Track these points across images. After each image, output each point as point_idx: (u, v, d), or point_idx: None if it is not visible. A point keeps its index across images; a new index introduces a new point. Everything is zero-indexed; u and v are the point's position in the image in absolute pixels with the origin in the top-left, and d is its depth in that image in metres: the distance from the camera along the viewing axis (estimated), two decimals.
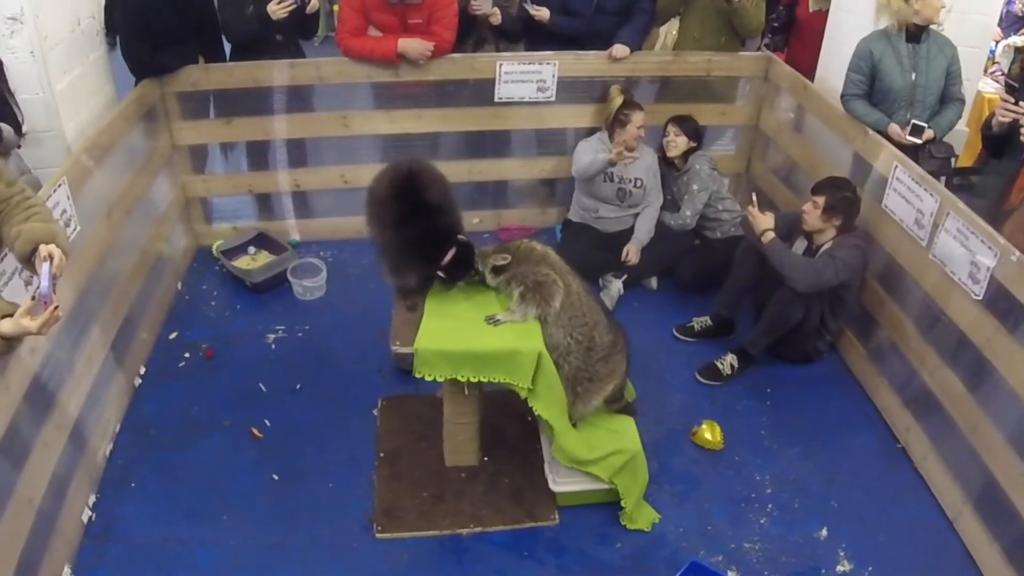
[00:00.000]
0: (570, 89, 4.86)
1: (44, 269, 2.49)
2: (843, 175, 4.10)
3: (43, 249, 2.53)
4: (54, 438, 3.07)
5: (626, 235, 4.74)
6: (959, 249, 3.35)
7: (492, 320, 3.08)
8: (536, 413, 3.13)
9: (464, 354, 3.02)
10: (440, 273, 3.09)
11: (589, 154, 4.62)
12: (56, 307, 2.45)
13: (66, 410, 3.20)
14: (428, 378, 3.04)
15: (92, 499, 3.31)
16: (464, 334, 3.06)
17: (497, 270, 3.12)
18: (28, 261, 2.58)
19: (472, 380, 3.07)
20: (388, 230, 3.08)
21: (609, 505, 3.32)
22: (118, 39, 4.36)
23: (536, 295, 3.09)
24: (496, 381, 3.05)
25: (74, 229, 3.34)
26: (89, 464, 3.36)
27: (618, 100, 4.66)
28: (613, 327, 3.32)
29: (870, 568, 3.17)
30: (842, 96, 4.29)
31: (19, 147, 3.57)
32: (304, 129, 4.87)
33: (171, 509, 3.31)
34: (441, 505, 3.36)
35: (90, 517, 3.25)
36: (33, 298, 2.46)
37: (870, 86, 4.24)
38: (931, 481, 3.52)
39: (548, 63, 4.72)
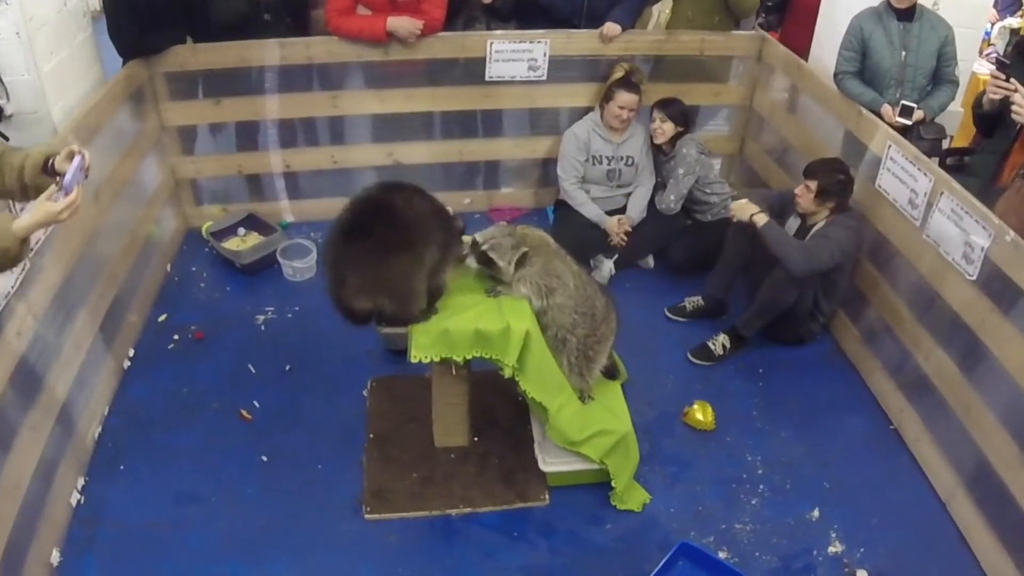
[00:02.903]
0: (562, 68, 4.81)
1: (75, 162, 2.54)
2: (836, 155, 4.08)
3: (73, 146, 2.58)
4: (42, 421, 3.05)
5: (618, 216, 4.71)
6: (953, 229, 3.33)
7: (494, 292, 3.09)
8: (527, 394, 3.11)
9: (455, 332, 2.99)
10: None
11: (576, 170, 4.68)
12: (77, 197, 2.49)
13: (54, 393, 3.18)
14: (425, 360, 3.02)
15: (81, 482, 3.29)
16: (454, 313, 3.04)
17: (520, 262, 3.07)
18: (41, 174, 2.58)
19: (465, 358, 3.05)
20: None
21: (600, 486, 3.31)
22: (105, 20, 4.30)
23: (541, 291, 3.09)
24: (485, 357, 3.02)
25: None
26: (78, 447, 3.33)
27: (617, 75, 4.62)
28: (607, 301, 3.33)
29: (862, 549, 3.16)
30: (835, 74, 4.26)
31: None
32: (293, 109, 4.82)
33: (160, 492, 3.29)
34: (431, 486, 3.34)
35: (79, 500, 3.23)
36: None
37: (861, 63, 4.21)
38: (924, 463, 3.51)
39: (539, 42, 4.67)
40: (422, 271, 2.89)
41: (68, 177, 2.50)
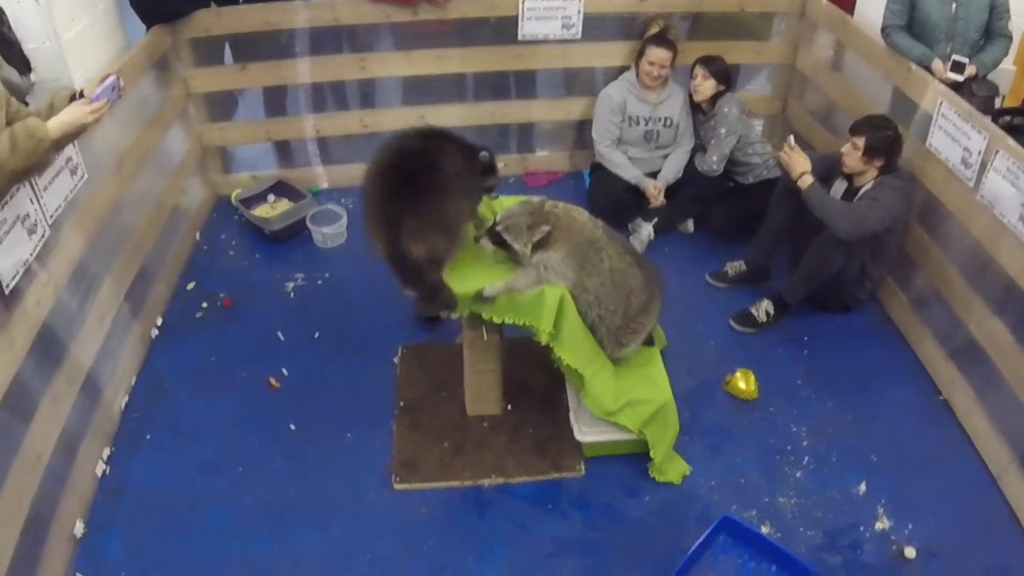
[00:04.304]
0: (597, 26, 4.65)
1: (108, 80, 2.66)
2: (884, 114, 3.89)
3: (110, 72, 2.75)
4: (65, 392, 3.00)
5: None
6: (1009, 189, 3.14)
7: (487, 294, 2.89)
8: (561, 361, 3.00)
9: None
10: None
11: (611, 132, 4.55)
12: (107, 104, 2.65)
13: (78, 363, 3.14)
14: (455, 315, 2.95)
15: (107, 453, 3.26)
16: (483, 275, 2.93)
17: (541, 244, 2.91)
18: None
19: (495, 321, 2.94)
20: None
21: (638, 457, 3.21)
22: None
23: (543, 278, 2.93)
24: (517, 324, 2.92)
25: (81, 178, 3.21)
26: (103, 417, 3.30)
27: (651, 31, 4.47)
28: (647, 275, 3.12)
29: (910, 526, 3.03)
30: (883, 28, 4.07)
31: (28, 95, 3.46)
32: (321, 73, 4.71)
33: (186, 463, 3.25)
34: (462, 456, 3.26)
35: (104, 471, 3.19)
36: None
37: (910, 17, 4.02)
38: (975, 436, 3.36)
39: None
40: (469, 211, 2.97)
41: (98, 90, 2.62)
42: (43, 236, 2.90)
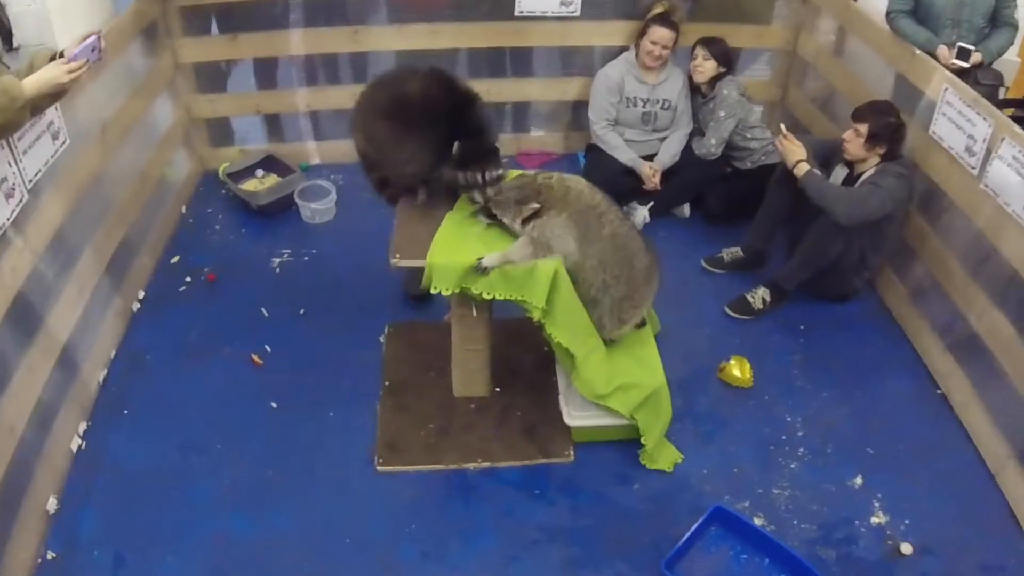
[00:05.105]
0: (597, 4, 4.55)
1: (89, 40, 2.59)
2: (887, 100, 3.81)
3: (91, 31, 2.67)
4: (40, 362, 2.91)
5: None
6: (1014, 178, 3.07)
7: (480, 268, 2.81)
8: (552, 339, 2.92)
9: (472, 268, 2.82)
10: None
11: (608, 112, 4.47)
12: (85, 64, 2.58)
13: (54, 334, 3.03)
14: (445, 293, 2.86)
15: (83, 427, 3.16)
16: (476, 248, 2.85)
17: (528, 220, 2.86)
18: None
19: (485, 296, 2.85)
20: (421, 132, 2.94)
21: (628, 443, 3.13)
22: None
23: (542, 248, 2.85)
24: (509, 299, 2.84)
25: (62, 143, 3.11)
26: (80, 391, 3.20)
27: (655, 11, 4.38)
28: (647, 241, 3.09)
29: (906, 521, 2.96)
30: (888, 13, 3.98)
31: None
32: (313, 45, 4.59)
33: (165, 439, 3.16)
34: (448, 438, 3.18)
35: (80, 446, 3.10)
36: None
37: (915, 2, 3.94)
38: (973, 431, 3.29)
39: None
40: (408, 144, 2.97)
41: (76, 50, 2.53)
42: (21, 201, 2.79)
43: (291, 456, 3.10)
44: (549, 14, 4.52)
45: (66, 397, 3.07)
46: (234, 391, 3.37)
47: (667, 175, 4.47)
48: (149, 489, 2.96)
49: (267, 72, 4.77)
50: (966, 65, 3.77)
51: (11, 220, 2.73)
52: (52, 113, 3.01)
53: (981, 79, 3.84)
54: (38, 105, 2.59)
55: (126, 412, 3.26)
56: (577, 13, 4.53)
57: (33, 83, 2.45)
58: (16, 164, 2.74)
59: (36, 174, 2.89)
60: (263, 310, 3.77)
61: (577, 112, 4.93)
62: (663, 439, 3.13)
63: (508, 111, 5.04)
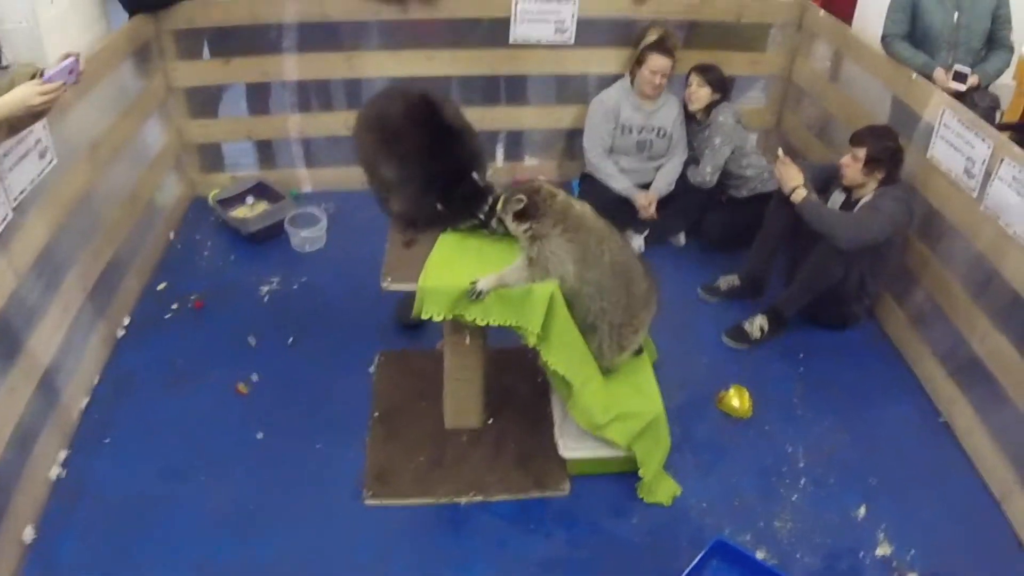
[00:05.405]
0: (590, 31, 4.52)
1: (66, 62, 2.48)
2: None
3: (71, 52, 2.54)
4: (20, 386, 2.81)
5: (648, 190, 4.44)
6: (1015, 198, 3.04)
7: (474, 293, 2.73)
8: (548, 367, 2.84)
9: (467, 292, 2.74)
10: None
11: (603, 140, 4.43)
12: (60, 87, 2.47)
13: (35, 357, 2.94)
14: (437, 318, 2.77)
15: (63, 455, 3.06)
16: (471, 271, 2.76)
17: (520, 216, 2.78)
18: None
19: (478, 323, 2.77)
20: (406, 161, 2.88)
21: (625, 475, 3.04)
22: None
23: (539, 270, 2.77)
24: (504, 324, 2.76)
25: (50, 161, 3.05)
26: (62, 418, 3.11)
27: (650, 39, 4.35)
28: (646, 267, 3.02)
29: (912, 551, 2.87)
30: (883, 37, 3.98)
31: None
32: (306, 70, 4.56)
33: (147, 467, 3.06)
34: (439, 470, 3.08)
35: (59, 473, 3.00)
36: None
37: (911, 26, 3.93)
38: (977, 457, 3.22)
39: (567, 1, 4.38)
40: (391, 163, 2.91)
41: (52, 71, 2.42)
42: (5, 218, 2.73)
43: (277, 486, 3.00)
44: (544, 42, 4.50)
45: (47, 422, 2.98)
46: (220, 419, 3.27)
47: (662, 203, 4.43)
48: (130, 517, 2.85)
49: (260, 97, 4.73)
50: (963, 88, 3.74)
51: None
52: (40, 131, 2.96)
53: (978, 102, 3.82)
54: (14, 125, 2.52)
55: (108, 439, 3.16)
56: (571, 40, 4.51)
57: (2, 104, 2.37)
58: (1, 179, 2.68)
59: (21, 192, 2.83)
60: (251, 338, 3.69)
61: (571, 140, 4.90)
62: (661, 471, 3.04)
63: (502, 138, 5.01)
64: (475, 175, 2.87)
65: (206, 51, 4.51)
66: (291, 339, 3.70)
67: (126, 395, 3.38)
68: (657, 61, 4.25)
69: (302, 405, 3.35)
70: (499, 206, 2.83)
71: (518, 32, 4.46)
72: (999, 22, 3.93)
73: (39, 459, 2.90)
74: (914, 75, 3.78)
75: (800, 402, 3.49)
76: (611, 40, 4.61)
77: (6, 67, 3.39)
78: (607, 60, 4.64)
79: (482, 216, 2.87)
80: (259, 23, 4.37)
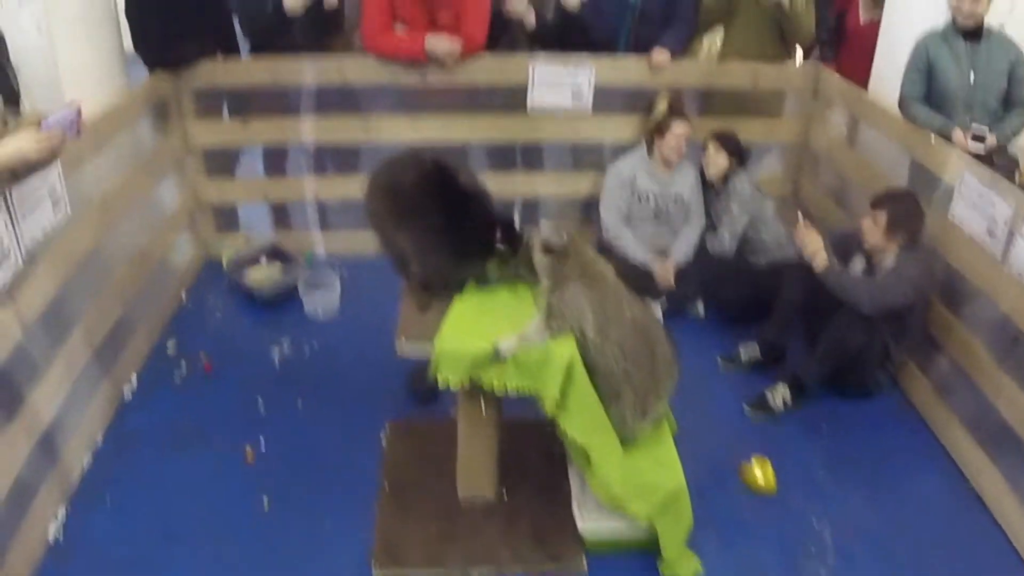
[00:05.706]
0: (606, 98, 4.53)
1: (66, 112, 2.45)
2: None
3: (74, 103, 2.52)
4: (20, 441, 2.74)
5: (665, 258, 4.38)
6: None
7: (503, 348, 2.65)
8: (566, 437, 2.74)
9: (487, 355, 2.65)
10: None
11: (620, 208, 4.41)
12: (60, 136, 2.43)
13: (37, 412, 2.87)
14: (453, 382, 2.68)
15: (62, 513, 2.97)
16: (488, 334, 2.68)
17: (549, 250, 2.71)
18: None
19: (495, 387, 2.68)
20: (421, 231, 2.83)
21: (646, 552, 2.91)
22: (129, 29, 4.11)
23: (556, 318, 2.70)
24: (521, 390, 2.66)
25: (63, 213, 3.01)
26: (61, 475, 3.03)
27: (662, 107, 4.34)
28: (667, 331, 2.94)
29: None
30: (900, 100, 3.97)
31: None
32: (324, 133, 4.57)
33: (147, 529, 2.95)
34: (451, 543, 2.95)
35: (57, 533, 2.90)
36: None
37: (928, 87, 3.92)
38: (1009, 527, 3.08)
39: (583, 67, 4.40)
40: (403, 231, 2.87)
41: (51, 119, 2.39)
42: (15, 268, 2.68)
43: (281, 555, 2.88)
44: (560, 107, 4.50)
45: (45, 480, 2.90)
46: (225, 484, 3.17)
47: (680, 272, 4.36)
48: None
49: (277, 158, 4.75)
50: (982, 148, 3.70)
51: (3, 286, 2.62)
52: (55, 180, 2.92)
53: (997, 162, 3.78)
54: (16, 173, 2.47)
55: (108, 501, 3.07)
56: (588, 107, 4.51)
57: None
58: (14, 226, 2.64)
59: (32, 241, 2.79)
60: (260, 402, 3.61)
61: (587, 209, 4.86)
62: (684, 547, 2.89)
63: (518, 206, 4.97)
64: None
65: (225, 111, 4.53)
66: (301, 405, 3.62)
67: (129, 455, 3.29)
68: (681, 127, 4.24)
69: (310, 473, 3.25)
70: (532, 239, 2.78)
71: (535, 98, 4.46)
72: (1015, 82, 3.91)
73: (36, 517, 2.81)
74: (932, 137, 3.75)
75: (825, 474, 3.36)
76: (625, 107, 4.61)
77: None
78: (623, 127, 4.64)
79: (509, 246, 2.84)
80: (279, 85, 4.40)
